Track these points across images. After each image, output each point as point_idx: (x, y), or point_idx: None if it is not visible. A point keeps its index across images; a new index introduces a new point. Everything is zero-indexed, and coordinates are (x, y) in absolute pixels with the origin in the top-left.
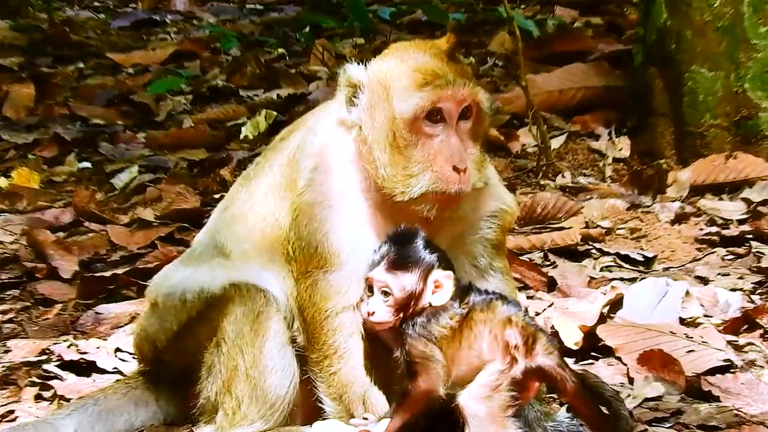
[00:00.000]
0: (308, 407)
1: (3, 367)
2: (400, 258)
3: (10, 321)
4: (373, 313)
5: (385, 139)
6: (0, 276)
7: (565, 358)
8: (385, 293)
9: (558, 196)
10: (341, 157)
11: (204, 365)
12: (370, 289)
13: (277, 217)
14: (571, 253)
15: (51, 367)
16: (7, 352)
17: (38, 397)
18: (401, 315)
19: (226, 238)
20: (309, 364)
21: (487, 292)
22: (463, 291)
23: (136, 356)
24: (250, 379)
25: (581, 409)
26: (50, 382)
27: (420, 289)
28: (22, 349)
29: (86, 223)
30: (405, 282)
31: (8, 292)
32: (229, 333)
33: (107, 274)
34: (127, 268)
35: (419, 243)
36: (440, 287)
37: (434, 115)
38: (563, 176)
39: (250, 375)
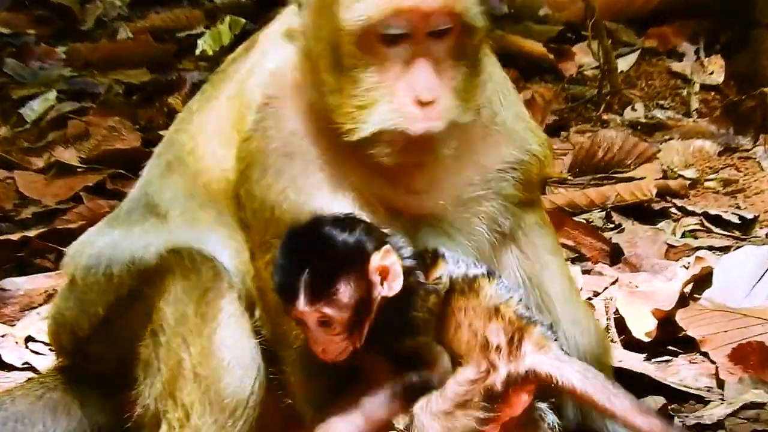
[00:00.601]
0: (281, 416)
1: None
2: (319, 272)
3: None
4: (323, 350)
5: (331, 56)
6: None
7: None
8: (325, 323)
9: (626, 136)
10: (301, 86)
11: (140, 361)
12: (302, 323)
13: (224, 167)
14: (643, 213)
15: None
16: None
17: None
18: (358, 332)
19: (161, 194)
20: (280, 364)
21: (464, 261)
22: (425, 259)
23: (53, 347)
24: (200, 379)
25: (617, 416)
26: None
27: (363, 293)
28: None
29: None
30: (341, 298)
31: None
32: (167, 317)
33: (15, 236)
34: (42, 230)
35: (331, 236)
36: (387, 272)
37: (392, 29)
38: (634, 109)
39: (199, 374)
